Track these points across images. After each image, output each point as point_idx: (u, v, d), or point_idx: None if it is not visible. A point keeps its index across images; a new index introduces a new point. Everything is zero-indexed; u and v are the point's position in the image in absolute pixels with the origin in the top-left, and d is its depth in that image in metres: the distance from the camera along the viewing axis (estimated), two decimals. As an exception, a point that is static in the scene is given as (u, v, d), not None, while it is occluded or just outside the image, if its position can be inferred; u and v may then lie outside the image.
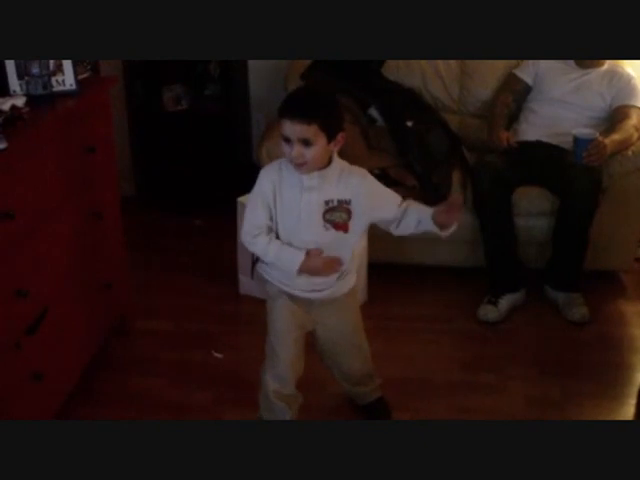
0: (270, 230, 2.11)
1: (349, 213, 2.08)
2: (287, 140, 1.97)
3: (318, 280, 2.14)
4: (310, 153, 1.97)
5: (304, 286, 2.15)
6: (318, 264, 2.09)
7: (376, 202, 2.11)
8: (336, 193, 2.06)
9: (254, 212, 2.10)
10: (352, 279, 2.26)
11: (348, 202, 2.07)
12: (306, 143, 1.95)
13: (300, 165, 1.99)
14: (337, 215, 2.07)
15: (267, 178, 2.08)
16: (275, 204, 2.07)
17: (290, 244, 2.09)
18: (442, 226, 2.10)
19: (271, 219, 2.09)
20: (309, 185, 2.04)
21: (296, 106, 1.96)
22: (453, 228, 2.12)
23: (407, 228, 2.15)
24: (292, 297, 2.18)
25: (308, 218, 2.06)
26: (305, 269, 2.08)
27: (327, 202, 2.06)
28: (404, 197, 3.06)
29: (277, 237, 2.11)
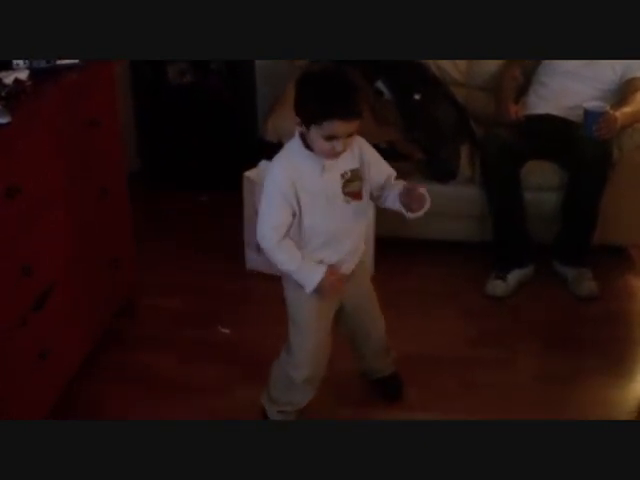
0: (288, 230, 2.06)
1: (361, 180, 2.08)
2: (331, 138, 1.91)
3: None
4: (350, 142, 1.97)
5: None
6: (332, 284, 2.07)
7: (373, 165, 2.12)
8: (347, 164, 2.05)
9: (274, 213, 2.02)
10: (362, 246, 2.25)
11: (358, 170, 2.07)
12: (350, 135, 1.94)
13: (337, 156, 1.97)
14: (354, 185, 2.06)
15: (283, 175, 2.00)
16: (299, 199, 2.00)
17: (316, 233, 2.06)
18: (407, 207, 2.09)
19: (293, 215, 2.03)
20: (328, 165, 2.01)
21: (348, 106, 1.90)
22: (419, 214, 2.10)
23: (387, 202, 2.15)
24: None
25: (333, 197, 2.04)
26: (319, 288, 2.06)
27: (343, 175, 2.04)
28: (411, 171, 3.07)
29: (299, 230, 2.06)
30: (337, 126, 1.89)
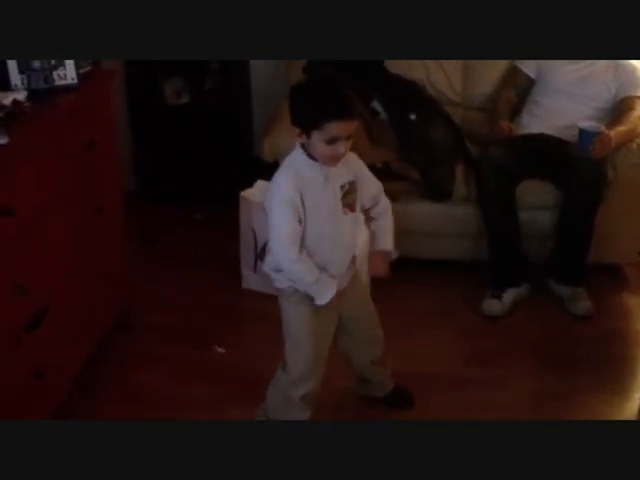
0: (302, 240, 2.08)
1: (356, 192, 2.12)
2: (333, 141, 1.94)
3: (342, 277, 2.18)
4: (349, 145, 1.99)
5: None
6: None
7: (365, 181, 2.17)
8: (345, 177, 2.09)
9: (288, 225, 2.02)
10: (357, 258, 2.29)
11: (354, 182, 2.11)
12: (349, 137, 1.97)
13: (339, 159, 2.01)
14: (351, 197, 2.11)
15: (289, 185, 2.02)
16: (304, 208, 2.02)
17: (318, 242, 2.08)
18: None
19: (299, 223, 2.05)
20: (331, 175, 2.05)
21: (344, 106, 1.94)
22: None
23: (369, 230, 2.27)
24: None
25: (334, 208, 2.07)
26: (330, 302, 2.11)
27: (342, 187, 2.08)
28: (406, 191, 3.09)
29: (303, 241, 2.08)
30: (337, 127, 1.92)
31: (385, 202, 2.24)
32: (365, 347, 2.40)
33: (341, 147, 1.96)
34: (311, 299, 2.12)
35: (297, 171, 2.04)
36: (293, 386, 2.23)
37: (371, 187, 2.19)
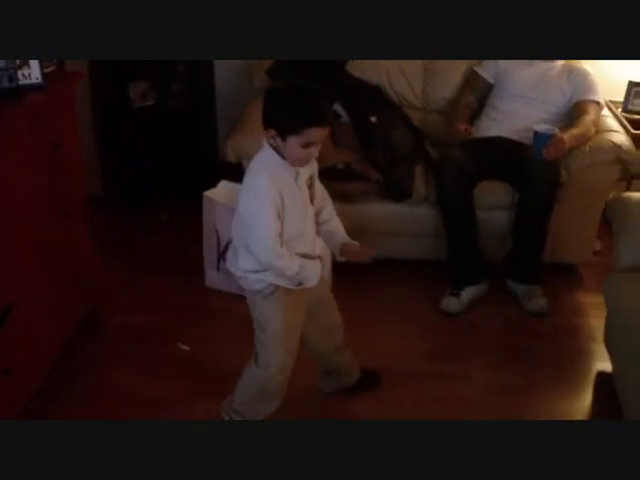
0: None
1: (314, 186, 2.21)
2: (308, 145, 2.00)
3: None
4: (320, 148, 2.06)
5: None
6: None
7: (316, 179, 2.25)
8: (307, 172, 2.15)
9: (271, 225, 2.06)
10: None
11: (312, 176, 2.19)
12: (322, 141, 2.03)
13: (309, 162, 2.09)
14: (312, 191, 2.20)
15: (270, 186, 2.05)
16: (284, 207, 2.07)
17: (293, 238, 2.13)
18: (343, 254, 2.30)
19: None
20: (301, 173, 2.11)
21: (324, 112, 2.01)
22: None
23: (321, 231, 2.31)
24: (289, 290, 2.19)
25: (305, 203, 2.15)
26: None
27: (306, 182, 2.16)
28: (367, 191, 3.15)
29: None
30: (315, 132, 1.98)
31: (332, 206, 2.31)
32: (328, 333, 2.44)
33: (315, 151, 2.03)
34: (288, 293, 2.18)
35: (273, 172, 2.07)
36: (272, 380, 2.28)
37: (320, 188, 2.27)
